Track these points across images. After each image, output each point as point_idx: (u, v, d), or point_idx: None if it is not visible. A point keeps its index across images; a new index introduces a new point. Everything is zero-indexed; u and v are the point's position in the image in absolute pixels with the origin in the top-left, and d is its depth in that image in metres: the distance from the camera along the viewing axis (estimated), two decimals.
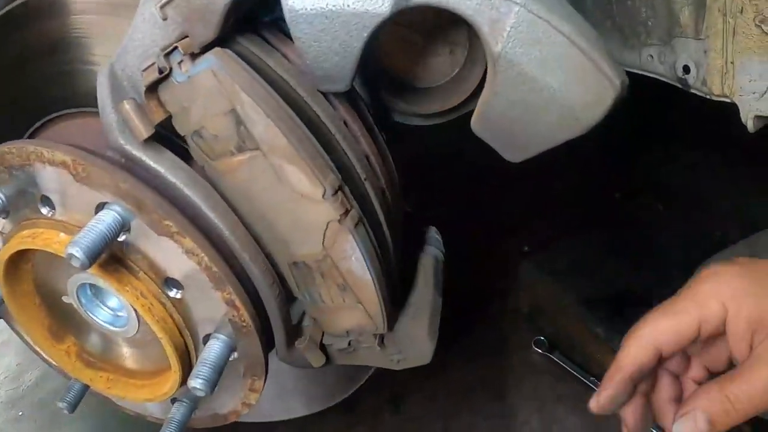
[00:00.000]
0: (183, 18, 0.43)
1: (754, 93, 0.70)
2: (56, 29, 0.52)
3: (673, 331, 0.45)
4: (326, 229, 0.47)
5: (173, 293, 0.50)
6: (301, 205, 0.46)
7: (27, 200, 0.51)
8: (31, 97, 0.56)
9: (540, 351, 1.03)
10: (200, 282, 0.48)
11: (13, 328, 0.67)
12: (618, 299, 1.07)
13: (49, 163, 0.47)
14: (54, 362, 0.62)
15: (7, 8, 0.53)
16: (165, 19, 0.43)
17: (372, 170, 0.51)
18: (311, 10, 0.43)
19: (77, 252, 0.43)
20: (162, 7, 0.42)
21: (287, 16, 0.43)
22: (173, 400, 0.61)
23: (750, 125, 0.72)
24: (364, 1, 0.42)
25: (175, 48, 0.43)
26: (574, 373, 0.97)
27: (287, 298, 0.52)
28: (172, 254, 0.48)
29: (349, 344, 0.56)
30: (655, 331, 0.45)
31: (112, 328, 0.58)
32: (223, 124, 0.45)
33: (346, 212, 0.46)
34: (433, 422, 0.97)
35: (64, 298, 0.59)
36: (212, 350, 0.51)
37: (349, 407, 0.92)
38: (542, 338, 1.03)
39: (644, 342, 0.45)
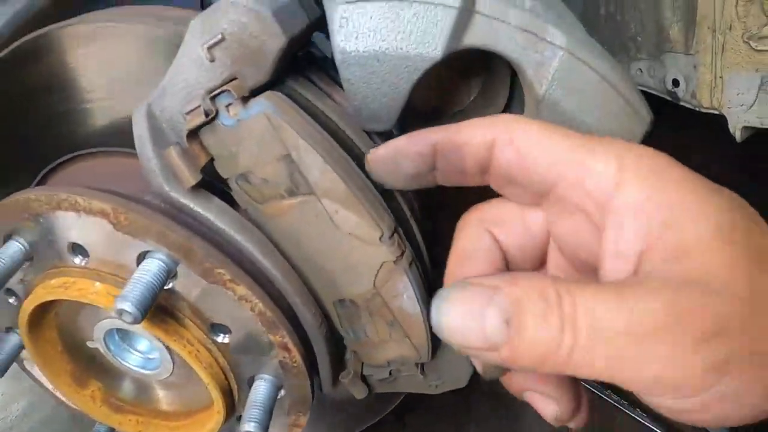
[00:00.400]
0: (233, 60, 0.41)
1: (741, 105, 0.74)
2: (53, 67, 0.49)
3: (544, 138, 0.34)
4: (379, 269, 0.46)
5: (220, 338, 0.48)
6: (355, 248, 0.45)
7: (54, 248, 0.48)
8: (37, 140, 0.52)
9: None
10: (251, 326, 0.47)
11: (30, 375, 0.63)
12: None
13: (84, 211, 0.44)
14: (79, 408, 0.58)
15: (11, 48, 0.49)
16: (212, 60, 0.41)
17: (412, 205, 0.50)
18: (363, 52, 0.42)
19: (129, 307, 0.41)
20: (210, 48, 0.40)
21: (338, 57, 0.42)
22: None
23: (738, 135, 0.75)
24: (417, 44, 0.41)
25: (224, 91, 0.41)
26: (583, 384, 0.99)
27: (332, 335, 0.51)
28: (222, 301, 0.46)
29: (390, 374, 0.55)
30: (524, 130, 0.34)
31: (143, 371, 0.55)
32: (275, 169, 0.43)
33: (402, 254, 0.45)
34: None
35: (89, 343, 0.56)
36: (261, 392, 0.50)
37: None
38: None
39: (496, 128, 0.35)
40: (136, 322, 0.41)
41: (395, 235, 0.45)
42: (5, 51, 0.50)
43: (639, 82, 0.84)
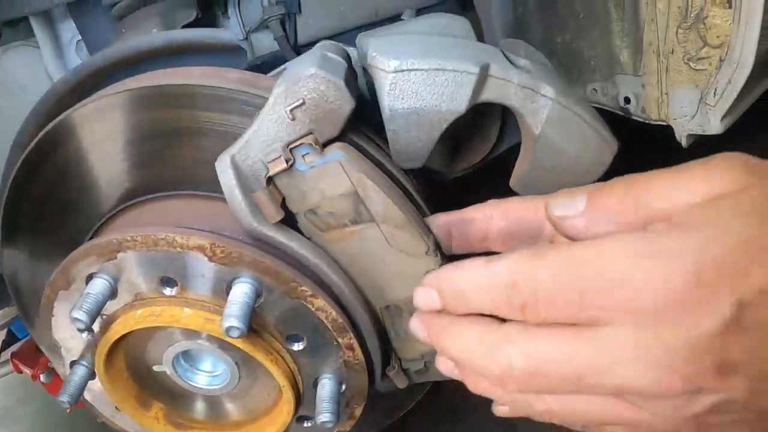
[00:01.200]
0: (310, 119, 0.54)
1: (685, 116, 0.93)
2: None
3: (523, 206, 0.52)
4: (425, 274, 0.61)
5: (295, 347, 0.61)
6: (406, 261, 0.59)
7: (143, 281, 0.59)
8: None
9: None
10: (324, 332, 0.60)
11: (88, 405, 0.73)
12: None
13: (180, 248, 0.56)
14: (145, 429, 0.69)
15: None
16: (293, 119, 0.54)
17: None
18: (407, 109, 0.56)
19: (236, 323, 0.53)
20: (293, 110, 0.53)
21: (386, 114, 0.56)
22: None
23: (684, 142, 0.95)
24: (448, 102, 0.56)
25: (302, 143, 0.54)
26: None
27: (381, 336, 0.65)
28: (301, 313, 0.59)
29: (425, 365, 0.70)
30: (508, 202, 0.53)
31: (210, 388, 0.67)
32: (342, 203, 0.56)
33: (441, 264, 0.60)
34: None
35: (156, 368, 0.67)
36: (328, 388, 0.63)
37: None
38: None
39: (488, 206, 0.53)
40: (242, 335, 0.54)
41: (437, 248, 0.60)
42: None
43: (594, 100, 1.02)
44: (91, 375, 0.67)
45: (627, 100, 0.98)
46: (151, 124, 0.60)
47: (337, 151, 0.55)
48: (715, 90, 0.88)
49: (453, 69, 0.56)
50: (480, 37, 0.82)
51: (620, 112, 0.99)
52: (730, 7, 0.84)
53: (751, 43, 0.83)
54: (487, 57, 0.59)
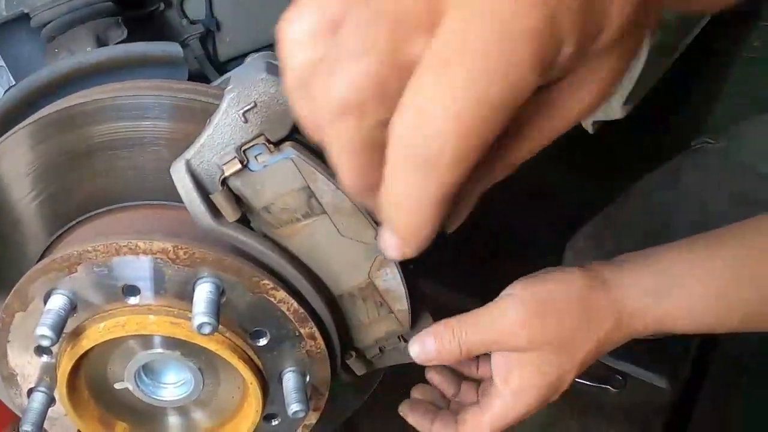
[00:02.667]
0: (261, 120, 0.61)
1: None
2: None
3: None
4: (374, 261, 0.69)
5: (260, 342, 0.67)
6: (356, 249, 0.67)
7: (104, 293, 0.64)
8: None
9: None
10: (286, 324, 0.67)
11: None
12: None
13: (143, 253, 0.62)
14: None
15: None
16: (246, 122, 0.61)
17: None
18: None
19: (208, 319, 0.59)
20: (245, 112, 0.60)
21: None
22: None
23: (590, 129, 1.09)
24: None
25: (255, 144, 0.61)
26: None
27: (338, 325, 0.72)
28: (263, 307, 0.65)
29: (380, 350, 0.77)
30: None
31: (176, 399, 0.72)
32: (294, 198, 0.64)
33: None
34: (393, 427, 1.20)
35: (117, 385, 0.71)
36: (293, 381, 0.69)
37: None
38: None
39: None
40: (214, 330, 0.59)
41: None
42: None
43: None
44: (51, 401, 0.70)
45: None
46: (93, 139, 0.65)
47: (288, 149, 0.62)
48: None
49: None
50: None
51: None
52: None
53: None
54: None
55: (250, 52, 1.13)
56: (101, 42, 0.81)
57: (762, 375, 1.16)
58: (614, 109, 1.04)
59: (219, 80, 0.75)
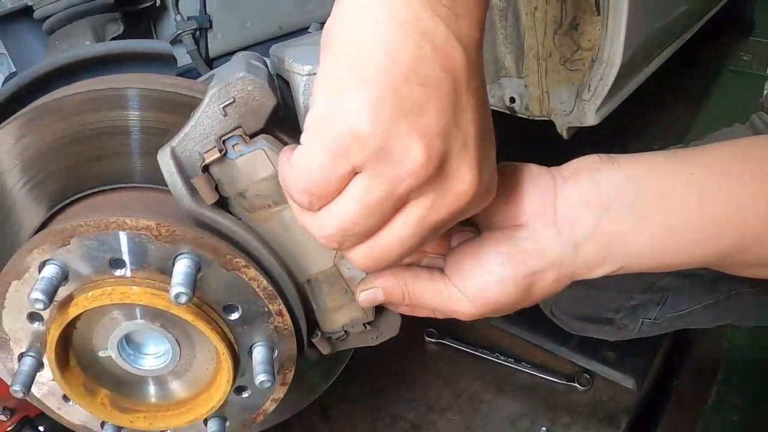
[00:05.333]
0: (239, 115, 0.73)
1: (564, 111, 1.19)
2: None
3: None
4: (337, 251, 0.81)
5: (232, 316, 0.79)
6: None
7: (93, 265, 0.76)
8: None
9: (433, 340, 1.44)
10: (256, 300, 0.79)
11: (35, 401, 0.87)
12: None
13: (130, 229, 0.74)
14: (92, 413, 0.85)
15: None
16: (225, 115, 0.73)
17: None
18: None
19: (185, 289, 0.71)
20: (225, 107, 0.73)
21: (300, 110, 0.77)
22: (205, 421, 0.88)
23: (564, 134, 1.21)
24: None
25: (233, 135, 0.74)
26: (466, 349, 1.40)
27: (305, 307, 0.84)
28: (235, 283, 0.77)
29: (345, 333, 0.89)
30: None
31: (155, 368, 0.84)
32: (266, 186, 0.76)
33: None
34: (363, 421, 1.32)
35: (101, 353, 0.83)
36: (261, 353, 0.81)
37: (286, 424, 1.22)
38: (431, 329, 1.45)
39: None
40: (189, 300, 0.71)
41: None
42: None
43: None
44: (39, 366, 0.82)
45: (512, 100, 1.24)
46: (94, 124, 0.77)
47: (261, 140, 0.74)
48: (589, 86, 1.15)
49: None
50: None
51: (507, 111, 1.25)
52: (599, 14, 1.11)
53: (618, 44, 1.11)
54: None
55: (239, 50, 1.27)
56: (99, 36, 0.94)
57: (732, 380, 1.28)
58: (588, 116, 1.16)
59: (204, 77, 0.87)
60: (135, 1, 1.12)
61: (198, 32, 1.21)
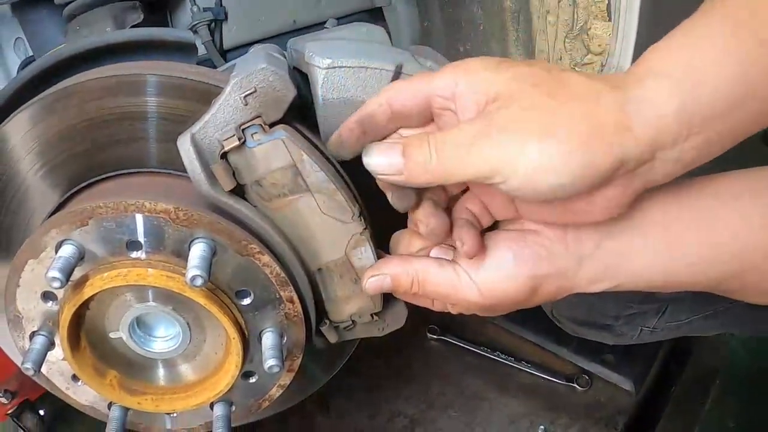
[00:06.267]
0: (260, 104, 0.77)
1: None
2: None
3: (404, 88, 0.73)
4: (350, 239, 0.84)
5: (245, 301, 0.82)
6: (335, 226, 0.82)
7: (109, 246, 0.79)
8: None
9: (435, 336, 1.47)
10: (268, 286, 0.82)
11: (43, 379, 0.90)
12: None
13: (148, 212, 0.77)
14: (100, 394, 0.88)
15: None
16: (246, 105, 0.76)
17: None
18: (337, 99, 0.80)
19: (201, 272, 0.74)
20: (246, 96, 0.76)
21: (318, 102, 0.80)
22: (211, 405, 0.91)
23: None
24: (370, 93, 0.79)
25: (253, 124, 0.77)
26: (468, 347, 1.44)
27: (315, 295, 0.87)
28: (249, 269, 0.80)
29: (353, 322, 0.92)
30: (391, 89, 0.74)
31: (165, 351, 0.87)
32: (282, 175, 0.79)
33: (365, 228, 0.83)
34: (362, 415, 1.35)
35: (112, 334, 0.86)
36: (271, 339, 0.84)
37: (283, 416, 1.25)
38: (433, 326, 1.48)
39: (379, 97, 0.74)
40: (205, 283, 0.74)
41: (361, 215, 0.83)
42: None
43: None
44: (51, 345, 0.85)
45: None
46: (114, 109, 0.81)
47: (280, 130, 0.78)
48: None
49: (374, 67, 0.81)
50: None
51: None
52: (609, 20, 1.14)
53: (628, 51, 1.14)
54: (401, 58, 0.84)
55: (253, 43, 1.30)
56: (119, 23, 0.97)
57: (729, 388, 1.31)
58: None
59: (224, 66, 0.91)
60: None
61: (213, 23, 1.24)
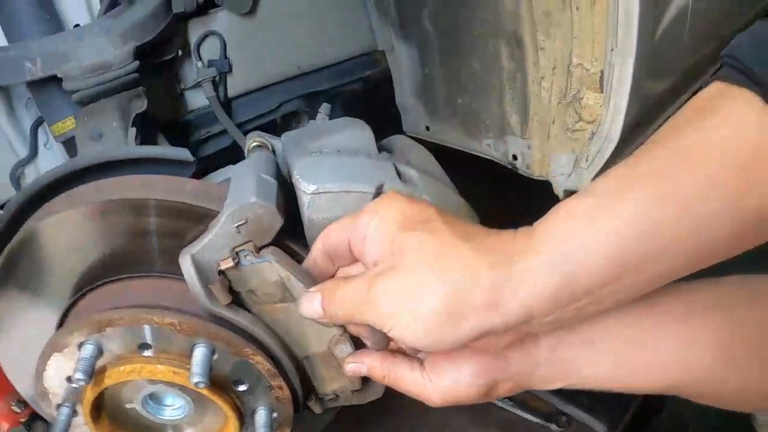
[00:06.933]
0: (250, 232, 0.91)
1: (563, 175, 1.34)
2: None
3: (333, 232, 0.88)
4: (332, 338, 1.00)
5: (240, 388, 1.01)
6: (318, 327, 0.98)
7: (124, 345, 0.97)
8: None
9: None
10: (259, 378, 0.99)
11: None
12: None
13: (157, 324, 0.94)
14: None
15: None
16: (239, 232, 0.91)
17: None
18: (322, 219, 0.94)
19: (202, 378, 0.91)
20: (238, 226, 0.91)
21: (306, 222, 0.94)
22: None
23: (561, 195, 1.37)
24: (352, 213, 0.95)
25: (243, 249, 0.92)
26: None
27: (303, 377, 1.05)
28: (244, 366, 0.98)
29: (336, 396, 1.10)
30: (323, 235, 0.90)
31: (172, 419, 1.06)
32: (273, 288, 0.94)
33: (345, 330, 0.99)
34: None
35: (128, 405, 1.05)
36: (264, 417, 1.03)
37: None
38: None
39: (317, 242, 0.90)
40: (206, 386, 0.92)
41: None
42: None
43: (489, 153, 1.43)
44: (74, 413, 1.05)
45: (515, 157, 1.40)
46: (124, 226, 0.96)
47: (269, 254, 0.93)
48: (587, 157, 1.30)
49: (356, 191, 0.95)
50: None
51: (509, 167, 1.41)
52: (601, 91, 1.25)
53: (618, 122, 1.25)
54: (382, 176, 0.98)
55: (257, 90, 1.43)
56: (125, 113, 1.11)
57: None
58: (585, 182, 1.32)
59: (220, 178, 1.05)
60: (159, 53, 1.28)
61: (218, 77, 1.37)
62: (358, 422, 1.49)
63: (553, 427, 1.46)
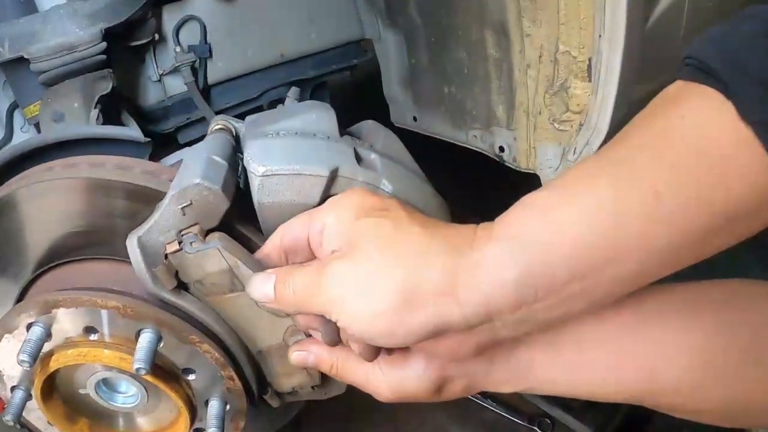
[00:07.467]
0: (196, 214, 0.92)
1: (550, 167, 1.34)
2: None
3: (291, 227, 0.90)
4: (287, 329, 1.02)
5: (190, 377, 1.02)
6: (271, 318, 0.99)
7: (71, 327, 1.00)
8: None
9: None
10: (209, 368, 1.01)
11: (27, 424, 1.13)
12: None
13: (101, 307, 0.97)
14: None
15: None
16: (184, 214, 0.93)
17: None
18: (272, 203, 0.95)
19: (143, 364, 0.93)
20: (183, 208, 0.93)
21: (256, 205, 0.95)
22: None
23: None
24: (305, 197, 0.94)
25: (189, 233, 0.94)
26: None
27: (257, 370, 1.07)
28: (192, 354, 0.99)
29: (294, 390, 1.11)
30: (281, 229, 0.91)
31: (125, 406, 1.09)
32: (221, 277, 0.95)
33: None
34: None
35: (81, 391, 1.08)
36: (216, 408, 1.04)
37: None
38: None
39: (274, 236, 0.92)
40: (147, 373, 0.93)
41: None
42: None
43: (475, 145, 1.43)
44: (28, 397, 1.08)
45: (501, 149, 1.39)
46: (85, 205, 0.99)
47: (215, 240, 0.94)
48: (575, 149, 1.29)
49: (308, 173, 0.96)
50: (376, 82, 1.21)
51: (496, 158, 1.41)
52: (589, 80, 1.24)
53: (606, 113, 1.23)
54: (339, 159, 0.98)
55: (239, 77, 1.46)
56: (87, 95, 1.14)
57: None
58: None
59: (173, 160, 1.07)
60: (133, 37, 1.31)
61: (198, 61, 1.40)
62: (345, 418, 1.52)
63: (537, 430, 1.46)
